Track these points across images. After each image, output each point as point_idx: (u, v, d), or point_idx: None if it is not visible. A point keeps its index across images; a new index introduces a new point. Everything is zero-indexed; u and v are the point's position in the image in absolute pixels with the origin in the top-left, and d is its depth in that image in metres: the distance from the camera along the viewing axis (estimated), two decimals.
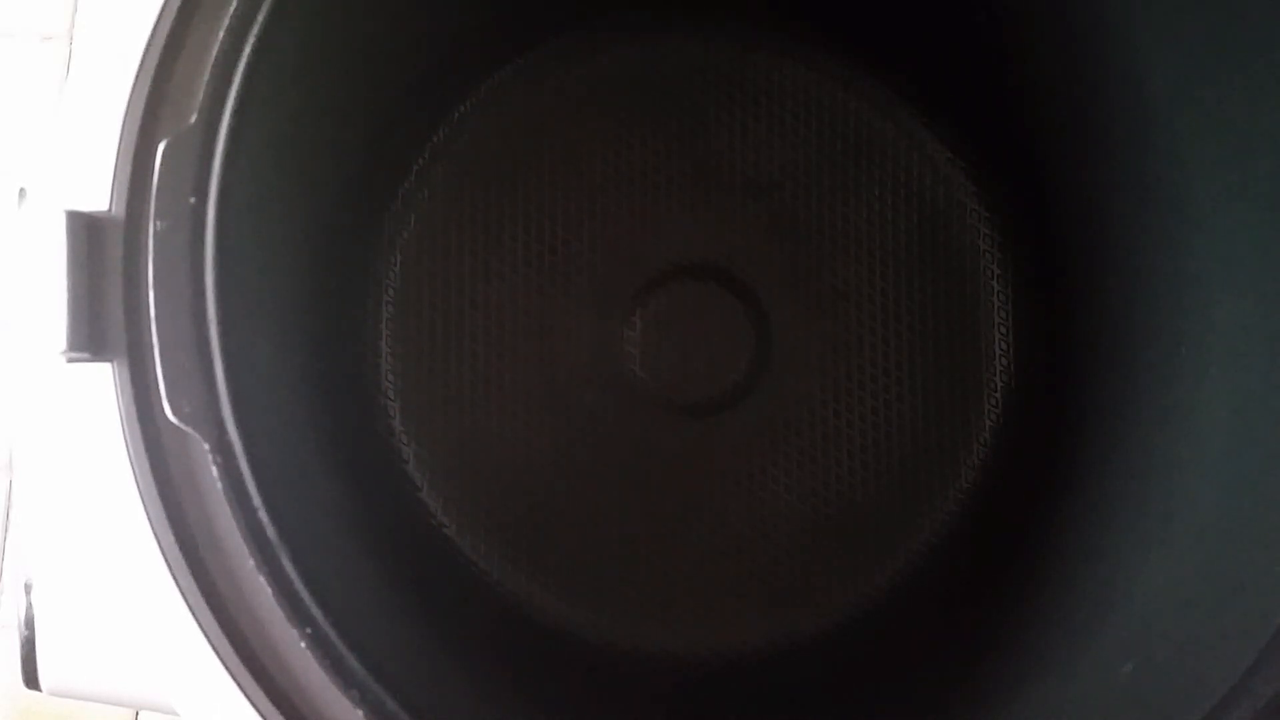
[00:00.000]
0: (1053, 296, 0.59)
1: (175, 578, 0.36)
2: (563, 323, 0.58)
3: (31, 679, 0.44)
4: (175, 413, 0.35)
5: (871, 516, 0.59)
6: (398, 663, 0.38)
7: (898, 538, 0.59)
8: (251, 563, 0.35)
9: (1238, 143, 0.44)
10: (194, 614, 0.36)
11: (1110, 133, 0.52)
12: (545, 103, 0.59)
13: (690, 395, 0.59)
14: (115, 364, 0.36)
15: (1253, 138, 0.44)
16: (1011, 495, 0.59)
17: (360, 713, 0.35)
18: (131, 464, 0.36)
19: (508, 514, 0.58)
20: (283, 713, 0.36)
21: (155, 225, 0.35)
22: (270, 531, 0.35)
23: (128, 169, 0.37)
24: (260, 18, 0.37)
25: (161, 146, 0.35)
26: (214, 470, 0.35)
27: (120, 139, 0.37)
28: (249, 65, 0.36)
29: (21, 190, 0.46)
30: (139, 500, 0.36)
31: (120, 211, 0.36)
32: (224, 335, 0.35)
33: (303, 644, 0.35)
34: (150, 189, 0.35)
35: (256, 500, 0.35)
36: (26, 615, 0.43)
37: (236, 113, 0.36)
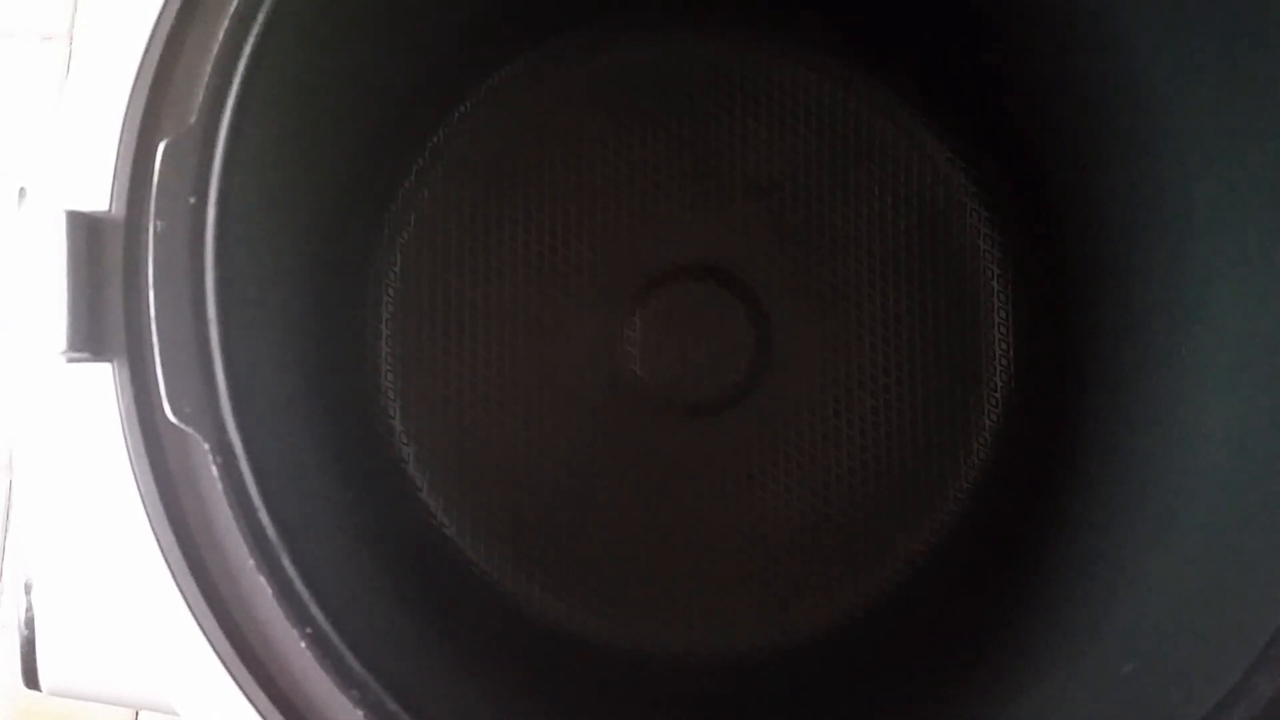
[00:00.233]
0: (1053, 296, 0.58)
1: (175, 578, 0.36)
2: (563, 323, 0.58)
3: (31, 679, 0.44)
4: (175, 413, 0.35)
5: (871, 516, 0.59)
6: (398, 663, 0.38)
7: (898, 538, 0.59)
8: (251, 563, 0.35)
9: (1238, 143, 0.44)
10: (194, 614, 0.36)
11: (1110, 132, 0.52)
12: (545, 103, 0.59)
13: (690, 395, 0.59)
14: (115, 364, 0.36)
15: (1253, 138, 0.44)
16: (1011, 495, 0.59)
17: (360, 713, 0.35)
18: (131, 464, 0.36)
19: (508, 514, 0.58)
20: (283, 713, 0.36)
21: (155, 225, 0.35)
22: (270, 531, 0.35)
23: (128, 169, 0.37)
24: (260, 18, 0.37)
25: (161, 146, 0.35)
26: (214, 470, 0.35)
27: (120, 139, 0.37)
28: (249, 65, 0.36)
29: (21, 190, 0.46)
30: (139, 500, 0.36)
31: (120, 211, 0.36)
32: (224, 335, 0.35)
33: (303, 644, 0.35)
34: (150, 189, 0.35)
35: (256, 500, 0.35)
36: (26, 615, 0.43)
37: (236, 113, 0.36)
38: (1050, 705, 0.44)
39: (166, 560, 0.36)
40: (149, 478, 0.36)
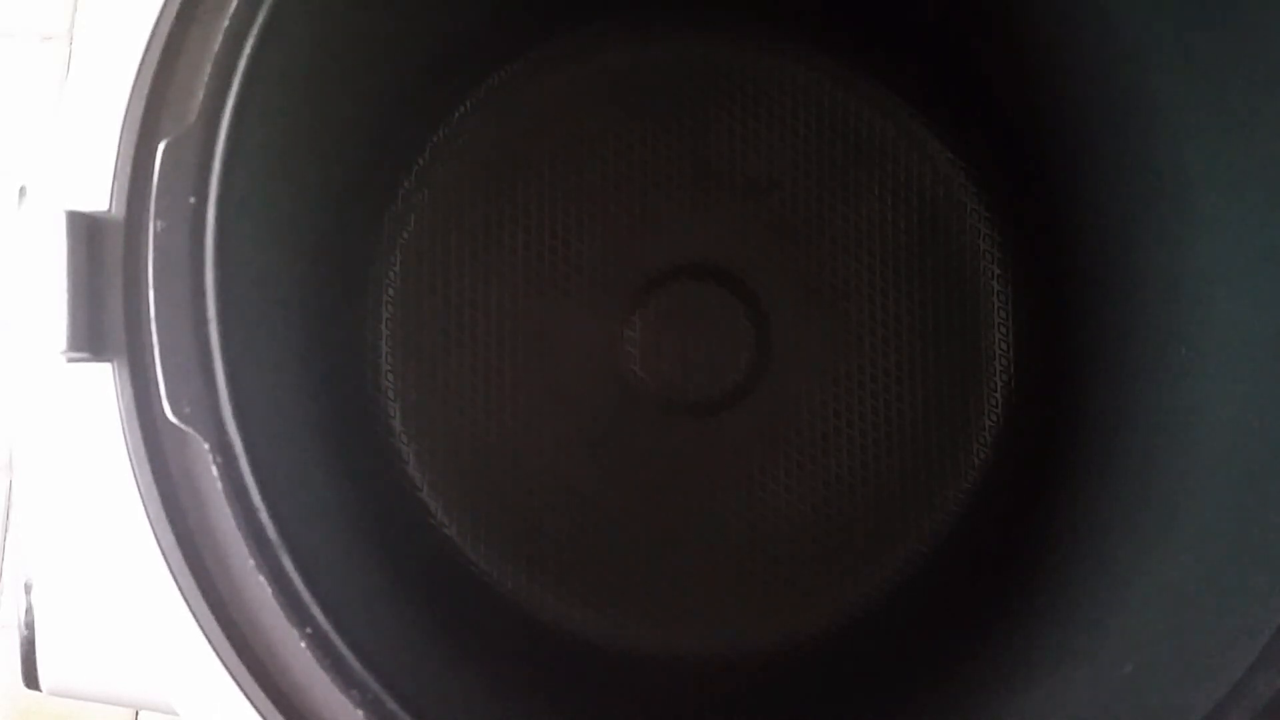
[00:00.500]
0: (1053, 296, 0.59)
1: (175, 578, 0.36)
2: (563, 323, 0.58)
3: (31, 679, 0.44)
4: (175, 413, 0.35)
5: (871, 516, 0.59)
6: (398, 663, 0.38)
7: (898, 538, 0.59)
8: (251, 563, 0.35)
9: (1238, 143, 0.44)
10: (194, 614, 0.36)
11: (1110, 133, 0.52)
12: (545, 103, 0.59)
13: (690, 395, 0.59)
14: (115, 364, 0.36)
15: (1253, 138, 0.44)
16: (1011, 495, 0.59)
17: (360, 713, 0.35)
18: (131, 464, 0.36)
19: (508, 514, 0.58)
20: (283, 713, 0.36)
21: (155, 225, 0.35)
22: (270, 531, 0.35)
23: (128, 169, 0.37)
24: (260, 18, 0.37)
25: (161, 147, 0.35)
26: (214, 470, 0.35)
27: (120, 139, 0.37)
28: (249, 66, 0.36)
29: (21, 190, 0.46)
30: (139, 500, 0.36)
31: (120, 211, 0.36)
32: (224, 335, 0.35)
33: (303, 644, 0.35)
34: (150, 189, 0.35)
35: (256, 500, 0.35)
36: (26, 615, 0.43)
37: (236, 113, 0.36)
38: (1050, 704, 0.44)
39: (166, 560, 0.36)
40: (149, 478, 0.36)
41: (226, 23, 0.36)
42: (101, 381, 0.36)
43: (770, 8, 0.60)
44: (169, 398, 0.35)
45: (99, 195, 0.37)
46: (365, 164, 0.54)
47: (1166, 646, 0.42)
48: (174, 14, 0.37)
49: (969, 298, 0.60)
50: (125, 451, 0.36)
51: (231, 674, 0.36)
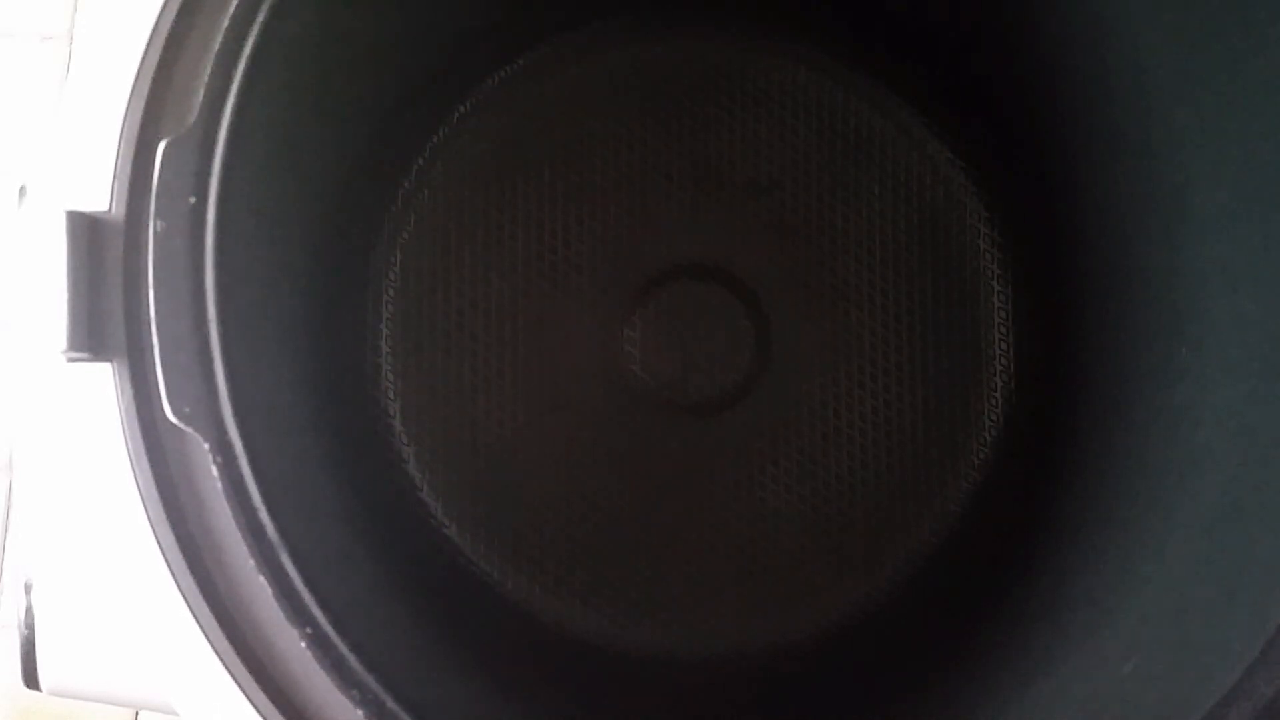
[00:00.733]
0: (1053, 296, 0.59)
1: (175, 578, 0.36)
2: (563, 323, 0.58)
3: (31, 679, 0.44)
4: (175, 413, 0.35)
5: (872, 516, 0.59)
6: (398, 663, 0.38)
7: (898, 538, 0.59)
8: (251, 563, 0.35)
9: (1238, 143, 0.44)
10: (194, 614, 0.36)
11: (1110, 133, 0.52)
12: (545, 103, 0.59)
13: (690, 395, 0.59)
14: (115, 364, 0.36)
15: (1253, 138, 0.44)
16: (1011, 495, 0.59)
17: (360, 713, 0.35)
18: (131, 464, 0.36)
19: (508, 514, 0.58)
20: (283, 713, 0.36)
21: (155, 225, 0.35)
22: (270, 531, 0.35)
23: (128, 169, 0.37)
24: (260, 18, 0.37)
25: (161, 146, 0.35)
26: (214, 470, 0.35)
27: (120, 139, 0.37)
28: (249, 65, 0.36)
29: (22, 189, 0.46)
30: (139, 500, 0.36)
31: (120, 211, 0.36)
32: (224, 335, 0.35)
33: (303, 644, 0.35)
34: (150, 189, 0.35)
35: (256, 500, 0.35)
36: (26, 615, 0.43)
37: (236, 113, 0.36)
38: (1050, 704, 0.44)
39: (166, 560, 0.36)
40: (149, 478, 0.36)
41: (226, 23, 0.36)
42: (101, 381, 0.36)
43: (770, 8, 0.60)
44: (169, 398, 0.35)
45: (99, 195, 0.37)
46: (365, 163, 0.54)
47: (1166, 646, 0.42)
48: (174, 14, 0.37)
49: (969, 298, 0.60)
50: (125, 452, 0.36)
51: (231, 674, 0.36)
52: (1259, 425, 0.43)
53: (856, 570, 0.59)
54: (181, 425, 0.35)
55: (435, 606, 0.52)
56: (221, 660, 0.36)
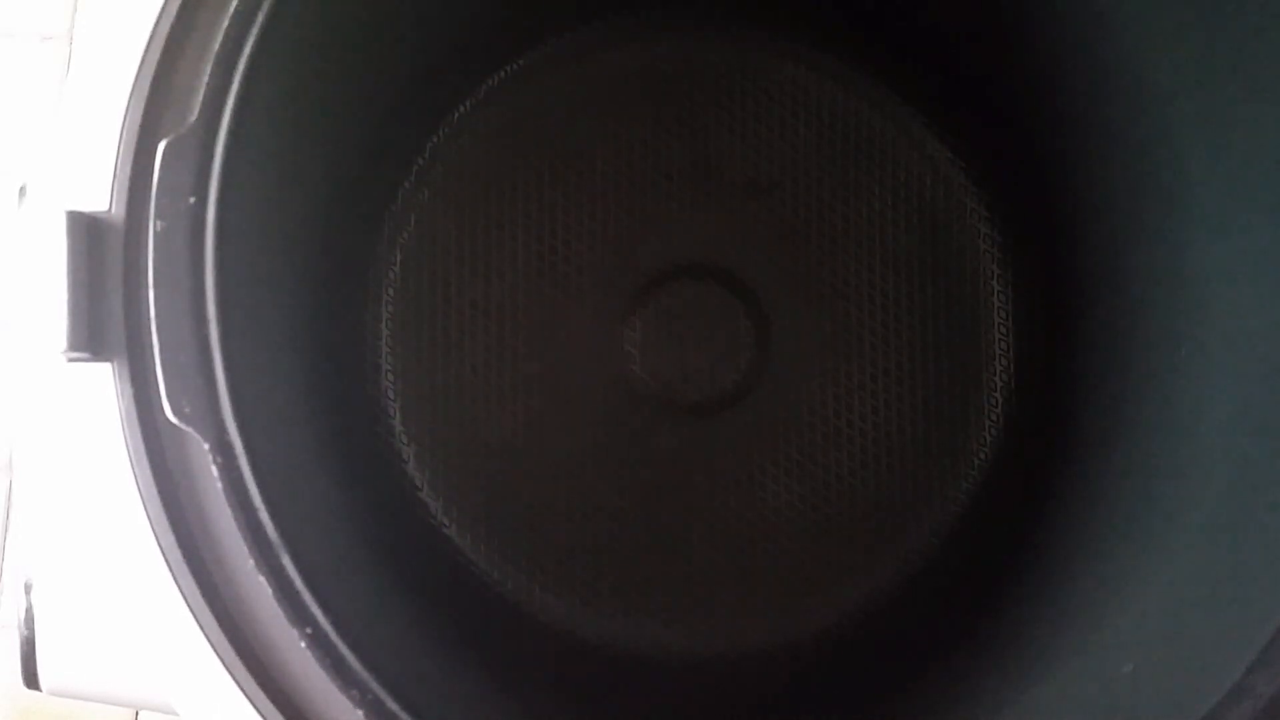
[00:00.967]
0: (1053, 296, 0.59)
1: (175, 578, 0.36)
2: (563, 323, 0.58)
3: (31, 679, 0.44)
4: (175, 413, 0.35)
5: (872, 516, 0.59)
6: (398, 663, 0.38)
7: (898, 538, 0.59)
8: (251, 563, 0.35)
9: (1238, 144, 0.44)
10: (194, 614, 0.36)
11: (1110, 133, 0.52)
12: (545, 103, 0.59)
13: (690, 395, 0.59)
14: (115, 364, 0.36)
15: (1253, 138, 0.44)
16: (1012, 495, 0.59)
17: (360, 713, 0.35)
18: (131, 464, 0.36)
19: (508, 514, 0.58)
20: (283, 713, 0.36)
21: (155, 225, 0.35)
22: (270, 531, 0.35)
23: (128, 169, 0.37)
24: (260, 18, 0.37)
25: (161, 146, 0.35)
26: (214, 470, 0.35)
27: (120, 139, 0.37)
28: (249, 65, 0.36)
29: (21, 190, 0.46)
30: (139, 500, 0.36)
31: (120, 211, 0.36)
32: (224, 335, 0.35)
33: (303, 644, 0.35)
34: (150, 189, 0.35)
35: (256, 500, 0.35)
36: (26, 615, 0.43)
37: (236, 113, 0.36)
38: (1050, 705, 0.44)
39: (166, 560, 0.36)
40: (149, 478, 0.36)
41: (226, 23, 0.36)
42: (101, 381, 0.36)
43: (770, 8, 0.60)
44: (169, 398, 0.35)
45: (99, 195, 0.37)
46: (365, 163, 0.54)
47: (1166, 646, 0.42)
48: (174, 14, 0.37)
49: (969, 298, 0.60)
50: (125, 451, 0.36)
51: (231, 674, 0.36)
52: (1259, 425, 0.43)
53: (856, 570, 0.59)
54: (181, 425, 0.35)
55: (435, 606, 0.52)
56: (221, 660, 0.36)
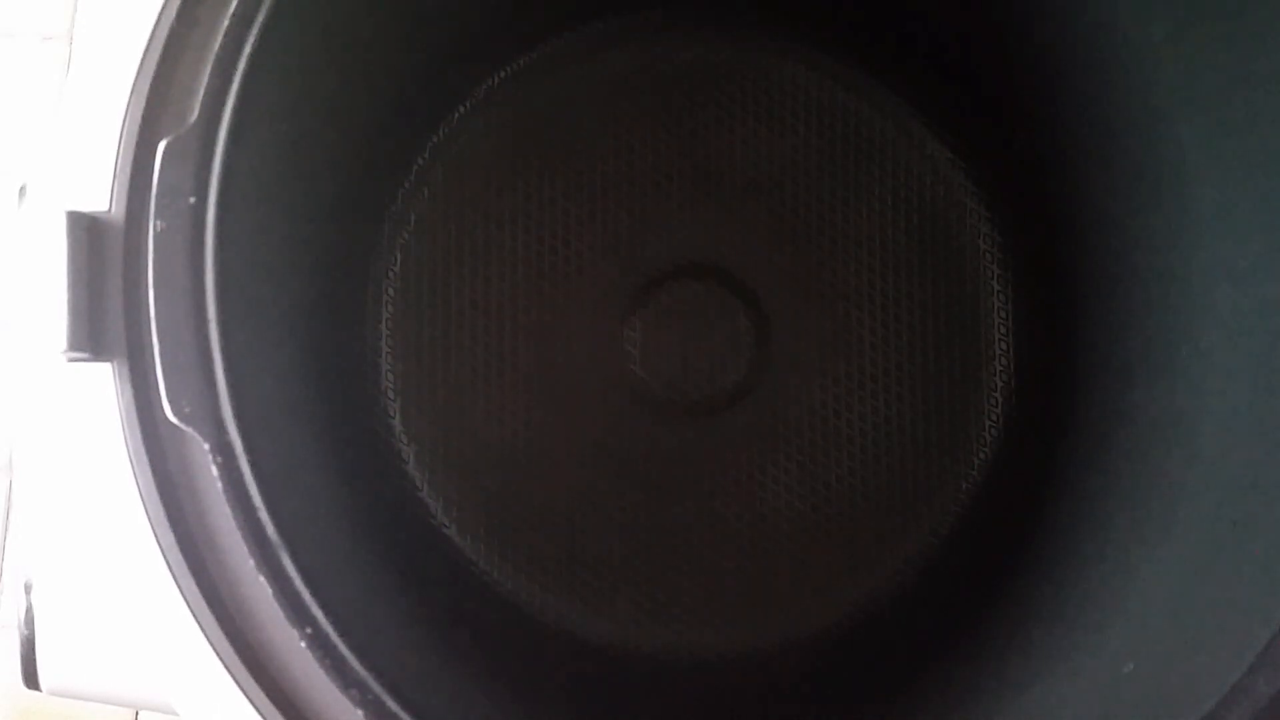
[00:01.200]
0: (1053, 296, 0.58)
1: (175, 578, 0.36)
2: (563, 323, 0.58)
3: (31, 679, 0.44)
4: (175, 413, 0.35)
5: (872, 516, 0.59)
6: (398, 663, 0.38)
7: (898, 538, 0.59)
8: (251, 563, 0.35)
9: (1239, 143, 0.44)
10: (194, 614, 0.36)
11: (1110, 133, 0.52)
12: (545, 103, 0.59)
13: (690, 395, 0.59)
14: (115, 364, 0.36)
15: (1254, 137, 0.44)
16: (1011, 495, 0.59)
17: (360, 713, 0.35)
18: (131, 464, 0.36)
19: (508, 514, 0.58)
20: (283, 713, 0.36)
21: (155, 225, 0.35)
22: (270, 531, 0.35)
23: (128, 169, 0.37)
24: (260, 18, 0.37)
25: (161, 146, 0.35)
26: (214, 470, 0.35)
27: (120, 139, 0.37)
28: (249, 65, 0.36)
29: (21, 190, 0.46)
30: (139, 500, 0.36)
31: (120, 211, 0.36)
32: (224, 335, 0.35)
33: (303, 644, 0.35)
34: (150, 189, 0.35)
35: (256, 500, 0.35)
36: (26, 615, 0.43)
37: (236, 113, 0.36)
38: (1050, 704, 0.44)
39: (166, 560, 0.36)
40: (149, 478, 0.36)
41: (226, 23, 0.36)
42: (101, 381, 0.36)
43: (770, 8, 0.60)
44: (169, 398, 0.35)
45: (99, 195, 0.37)
46: (366, 163, 0.54)
47: (1166, 646, 0.42)
48: (174, 14, 0.37)
49: (969, 298, 0.60)
50: (125, 451, 0.36)
51: (231, 674, 0.36)
52: (1260, 425, 0.43)
53: (856, 570, 0.59)
54: (181, 425, 0.35)
55: (435, 606, 0.52)
56: (221, 660, 0.36)
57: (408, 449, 0.57)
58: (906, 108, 0.60)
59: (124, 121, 0.37)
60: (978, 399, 0.59)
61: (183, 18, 0.37)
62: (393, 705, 0.35)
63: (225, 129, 0.36)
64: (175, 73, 0.37)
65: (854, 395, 0.59)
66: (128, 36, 0.37)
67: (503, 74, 0.59)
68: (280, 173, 0.42)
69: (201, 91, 0.36)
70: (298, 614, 0.35)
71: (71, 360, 0.36)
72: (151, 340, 0.35)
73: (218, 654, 0.36)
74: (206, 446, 0.35)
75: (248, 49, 0.36)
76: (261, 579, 0.35)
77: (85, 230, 0.36)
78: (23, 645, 0.43)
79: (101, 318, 0.36)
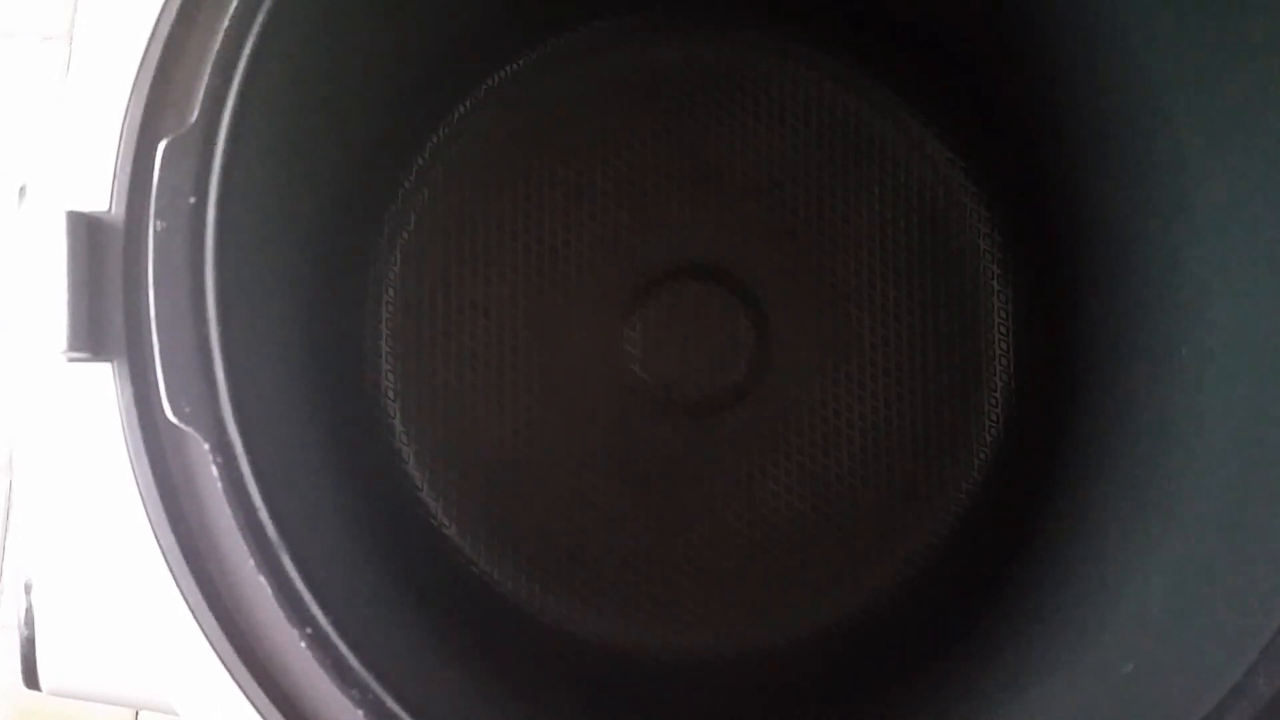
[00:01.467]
0: (1053, 296, 0.59)
1: (175, 578, 0.36)
2: (563, 322, 0.58)
3: (31, 679, 0.44)
4: (175, 413, 0.35)
5: (872, 516, 0.59)
6: (398, 663, 0.38)
7: (898, 538, 0.59)
8: (251, 563, 0.35)
9: (1239, 145, 0.44)
10: (194, 614, 0.36)
11: (1111, 133, 0.52)
12: (545, 103, 0.59)
13: (690, 395, 0.59)
14: (115, 364, 0.36)
15: (1254, 139, 0.44)
16: (1011, 495, 0.59)
17: (360, 713, 0.35)
18: (131, 464, 0.36)
19: (508, 514, 0.58)
20: (283, 713, 0.36)
21: (155, 225, 0.35)
22: (270, 531, 0.35)
23: (128, 169, 0.37)
24: (260, 18, 0.37)
25: (161, 146, 0.35)
26: (214, 470, 0.35)
27: (120, 139, 0.37)
28: (249, 65, 0.36)
29: (21, 190, 0.46)
30: (139, 500, 0.36)
31: (120, 211, 0.36)
32: (224, 335, 0.35)
33: (303, 644, 0.35)
34: (150, 189, 0.35)
35: (256, 500, 0.35)
36: (26, 615, 0.43)
37: (236, 113, 0.36)
38: (1050, 705, 0.44)
39: (166, 560, 0.36)
40: (149, 478, 0.36)
41: (226, 23, 0.36)
42: (101, 381, 0.36)
43: (770, 8, 0.60)
44: (169, 398, 0.35)
45: (99, 195, 0.37)
46: (365, 163, 0.54)
47: (1166, 646, 0.42)
48: (174, 14, 0.37)
49: (969, 298, 0.60)
50: (125, 451, 0.36)
51: (231, 674, 0.36)
52: (1260, 426, 0.43)
53: (856, 570, 0.59)
54: (181, 425, 0.35)
55: (435, 606, 0.52)
56: (221, 660, 0.36)
57: (408, 449, 0.57)
58: (906, 108, 0.60)
59: (124, 121, 0.37)
60: (978, 399, 0.59)
61: (183, 18, 0.37)
62: (393, 705, 0.35)
63: (225, 129, 0.36)
64: (175, 73, 0.37)
65: (854, 395, 0.59)
66: (128, 36, 0.37)
67: (502, 74, 0.59)
68: (280, 173, 0.42)
69: (201, 91, 0.36)
70: (298, 614, 0.35)
71: (71, 360, 0.36)
72: (151, 340, 0.35)
73: (218, 654, 0.36)
74: (206, 446, 0.35)
75: (248, 49, 0.36)
76: (261, 579, 0.35)
77: (85, 230, 0.36)
78: (23, 645, 0.43)
79: (101, 318, 0.36)
